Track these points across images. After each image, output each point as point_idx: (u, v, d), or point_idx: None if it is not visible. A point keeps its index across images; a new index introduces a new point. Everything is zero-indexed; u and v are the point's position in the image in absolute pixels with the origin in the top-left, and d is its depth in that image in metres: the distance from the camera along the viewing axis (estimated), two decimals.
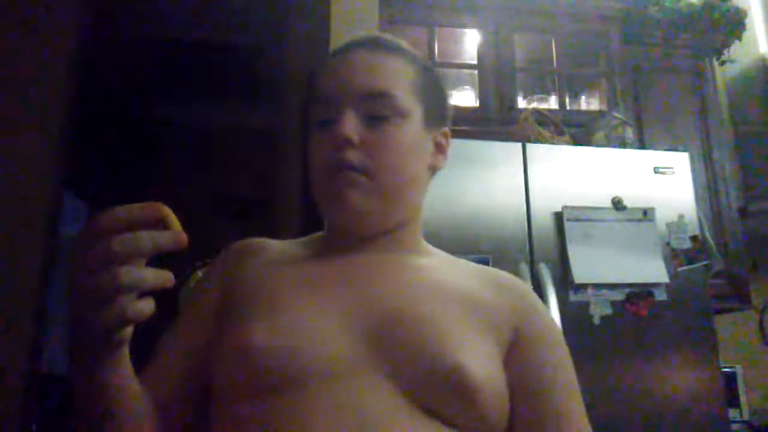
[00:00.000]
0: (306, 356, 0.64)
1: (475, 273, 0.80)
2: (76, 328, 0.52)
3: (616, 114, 2.21)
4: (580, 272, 1.71)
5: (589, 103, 2.50)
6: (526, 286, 0.85)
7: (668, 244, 1.82)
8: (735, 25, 2.59)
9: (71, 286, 0.50)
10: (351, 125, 0.72)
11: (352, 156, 0.72)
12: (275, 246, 0.82)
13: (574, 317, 1.68)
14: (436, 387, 0.64)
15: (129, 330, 0.53)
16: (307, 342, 0.65)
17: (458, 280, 0.77)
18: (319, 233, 0.86)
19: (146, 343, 0.76)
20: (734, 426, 2.18)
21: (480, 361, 0.67)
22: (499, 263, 1.69)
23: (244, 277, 0.75)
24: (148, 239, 0.49)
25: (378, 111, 0.74)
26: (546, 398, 0.73)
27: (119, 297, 0.48)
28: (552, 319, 0.85)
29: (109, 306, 0.48)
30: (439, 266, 0.79)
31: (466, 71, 2.45)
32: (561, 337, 0.83)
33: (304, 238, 0.86)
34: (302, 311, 0.68)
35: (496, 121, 2.29)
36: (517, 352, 0.73)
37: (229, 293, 0.75)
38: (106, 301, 0.48)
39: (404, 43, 0.89)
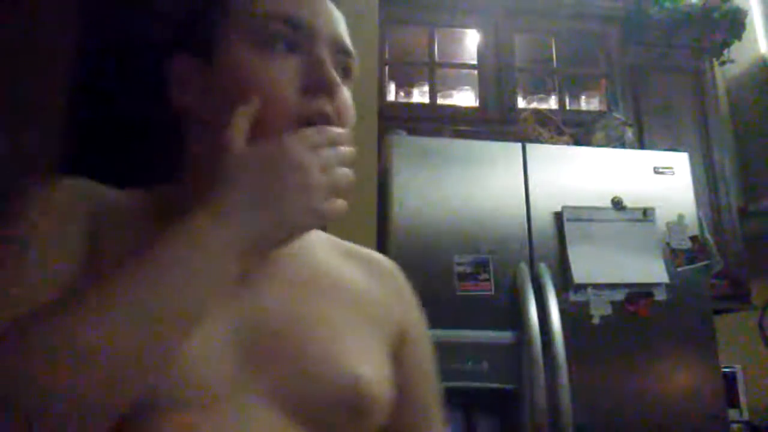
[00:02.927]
0: (180, 380, 0.50)
1: (356, 257, 0.71)
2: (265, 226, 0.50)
3: (616, 114, 2.21)
4: (580, 272, 1.71)
5: (589, 103, 2.50)
6: (400, 271, 0.77)
7: (668, 244, 1.82)
8: (735, 25, 2.59)
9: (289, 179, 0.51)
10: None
11: (330, 110, 0.57)
12: (131, 207, 0.61)
13: (574, 317, 1.68)
14: (330, 405, 0.56)
15: None
16: (182, 361, 0.50)
17: (345, 269, 0.68)
18: (164, 187, 0.66)
19: None
20: (734, 426, 2.18)
21: (376, 368, 0.61)
22: (499, 263, 1.69)
23: (116, 250, 0.54)
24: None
25: (346, 68, 0.62)
26: (423, 393, 0.71)
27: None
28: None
29: (325, 199, 0.52)
30: (322, 250, 0.68)
31: (466, 71, 2.45)
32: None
33: (151, 196, 0.65)
34: None
35: (496, 121, 2.29)
36: (402, 348, 0.68)
37: (97, 258, 0.54)
38: (320, 193, 0.52)
39: None
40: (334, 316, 0.62)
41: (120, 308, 0.44)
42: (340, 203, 0.53)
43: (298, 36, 0.58)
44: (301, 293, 0.62)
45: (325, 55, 0.58)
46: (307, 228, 0.54)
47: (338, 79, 0.58)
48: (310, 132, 0.53)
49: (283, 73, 0.56)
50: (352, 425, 0.57)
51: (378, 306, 0.67)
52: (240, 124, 0.53)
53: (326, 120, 0.56)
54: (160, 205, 0.62)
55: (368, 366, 0.60)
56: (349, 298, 0.65)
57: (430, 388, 0.73)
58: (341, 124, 0.57)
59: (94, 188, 0.60)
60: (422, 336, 0.74)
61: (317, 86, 0.57)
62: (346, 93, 0.60)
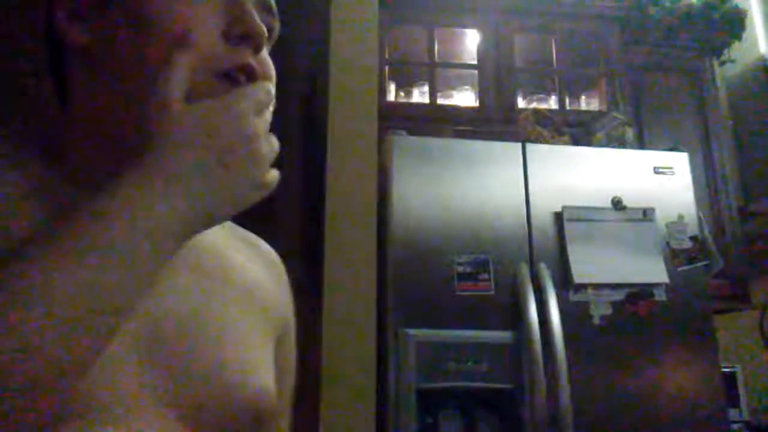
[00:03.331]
0: (85, 388, 0.43)
1: (247, 243, 0.65)
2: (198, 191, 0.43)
3: (616, 114, 2.21)
4: (580, 272, 1.71)
5: (589, 103, 2.50)
6: (278, 257, 0.70)
7: (668, 244, 1.82)
8: (735, 25, 2.59)
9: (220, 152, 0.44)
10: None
11: (254, 64, 0.51)
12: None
13: (574, 317, 1.68)
14: (232, 415, 0.51)
15: None
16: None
17: (240, 257, 0.61)
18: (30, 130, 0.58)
19: None
20: (734, 426, 2.18)
21: (271, 372, 0.57)
22: (499, 263, 1.69)
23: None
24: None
25: (269, 28, 0.55)
26: (287, 384, 0.67)
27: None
28: None
29: (267, 170, 0.47)
30: (218, 235, 0.59)
31: (466, 71, 2.45)
32: None
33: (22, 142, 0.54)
34: None
35: (496, 121, 2.29)
36: (283, 338, 0.64)
37: None
38: (265, 164, 0.47)
39: None
40: (234, 313, 0.56)
41: (56, 302, 0.37)
42: (275, 174, 0.49)
43: None
44: (202, 285, 0.55)
45: (250, 4, 0.51)
46: (250, 202, 0.47)
47: (265, 30, 0.51)
48: (254, 90, 0.48)
49: (202, 13, 0.49)
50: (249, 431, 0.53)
51: (270, 298, 0.62)
52: (180, 75, 0.46)
53: (251, 74, 0.50)
54: (34, 154, 0.51)
55: (269, 374, 0.57)
56: (246, 291, 0.59)
57: (292, 379, 0.68)
58: (266, 81, 0.51)
59: None
60: (294, 326, 0.68)
61: (242, 34, 0.50)
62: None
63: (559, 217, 1.78)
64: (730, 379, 2.33)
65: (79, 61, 0.51)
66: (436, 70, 2.39)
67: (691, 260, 1.82)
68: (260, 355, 0.57)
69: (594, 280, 1.72)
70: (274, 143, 0.49)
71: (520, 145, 1.86)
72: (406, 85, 2.40)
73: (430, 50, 2.38)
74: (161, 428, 0.47)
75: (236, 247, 0.62)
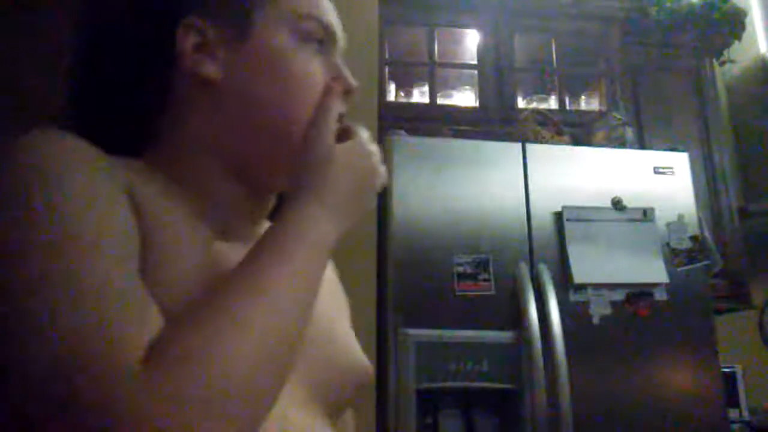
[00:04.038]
0: None
1: None
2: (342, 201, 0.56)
3: (616, 114, 2.21)
4: (580, 272, 1.71)
5: (589, 103, 2.50)
6: None
7: (668, 244, 1.82)
8: (735, 25, 2.59)
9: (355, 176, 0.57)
10: None
11: (344, 112, 0.62)
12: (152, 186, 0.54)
13: (574, 317, 1.68)
14: (346, 388, 0.61)
15: None
16: None
17: None
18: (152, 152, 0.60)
19: None
20: (734, 426, 2.18)
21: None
22: (499, 263, 1.69)
23: (156, 236, 0.49)
24: None
25: None
26: None
27: None
28: None
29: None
30: None
31: (466, 71, 2.45)
32: None
33: (133, 164, 0.57)
34: None
35: (496, 121, 2.29)
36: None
37: (146, 242, 0.48)
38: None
39: None
40: (331, 302, 0.66)
41: (274, 305, 0.46)
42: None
43: (326, 40, 0.62)
44: None
45: (341, 60, 0.64)
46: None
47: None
48: (366, 133, 0.61)
49: (316, 70, 0.60)
50: (352, 401, 0.64)
51: (336, 284, 0.75)
52: (333, 120, 0.58)
53: (341, 121, 0.60)
54: (157, 172, 0.57)
55: (362, 354, 0.65)
56: (326, 281, 0.65)
57: None
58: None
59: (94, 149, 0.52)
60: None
61: (345, 90, 0.61)
62: None
63: (559, 217, 1.78)
64: (730, 379, 2.33)
65: (201, 91, 0.57)
66: (436, 70, 2.39)
67: (691, 260, 1.82)
68: (353, 337, 0.67)
69: (594, 280, 1.72)
70: (384, 173, 0.62)
71: (520, 145, 1.86)
72: (406, 85, 2.40)
73: (430, 50, 2.38)
74: (302, 404, 0.55)
75: None
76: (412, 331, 1.58)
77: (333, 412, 0.60)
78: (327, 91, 0.59)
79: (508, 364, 1.60)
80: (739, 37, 2.62)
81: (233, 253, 0.54)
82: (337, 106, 0.59)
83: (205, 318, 0.43)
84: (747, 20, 2.64)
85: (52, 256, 0.42)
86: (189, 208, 0.55)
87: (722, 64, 2.68)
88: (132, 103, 0.60)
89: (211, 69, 0.57)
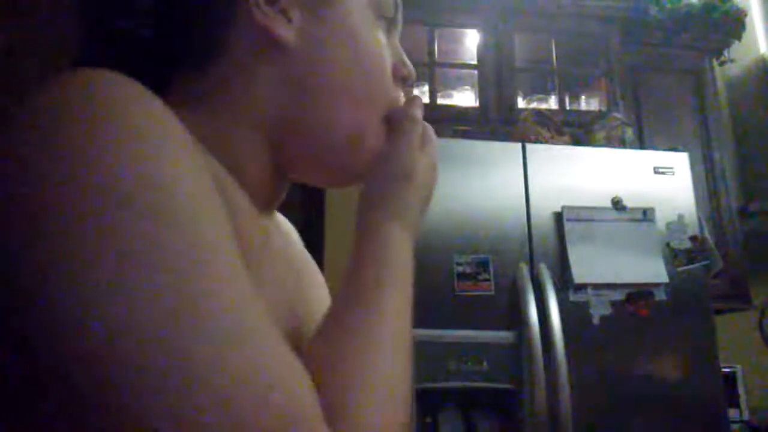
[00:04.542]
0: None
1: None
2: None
3: (616, 114, 2.21)
4: (580, 272, 1.71)
5: (589, 103, 2.50)
6: None
7: (668, 244, 1.82)
8: (735, 25, 2.59)
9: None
10: None
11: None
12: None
13: (574, 317, 1.68)
14: None
15: None
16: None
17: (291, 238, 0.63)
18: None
19: None
20: (734, 426, 2.18)
21: None
22: (499, 263, 1.69)
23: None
24: None
25: None
26: None
27: None
28: None
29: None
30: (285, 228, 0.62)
31: (466, 71, 2.45)
32: None
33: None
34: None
35: (496, 121, 2.29)
36: None
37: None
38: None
39: None
40: (320, 295, 0.62)
41: (391, 341, 0.44)
42: None
43: (394, 19, 0.56)
44: (301, 279, 0.58)
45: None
46: None
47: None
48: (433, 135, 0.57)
49: (387, 52, 0.54)
50: None
51: (316, 271, 0.68)
52: (418, 134, 0.53)
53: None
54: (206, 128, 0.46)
55: None
56: (313, 273, 0.64)
57: None
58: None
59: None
60: None
61: (405, 77, 0.55)
62: None
63: (559, 217, 1.78)
64: (730, 379, 2.33)
65: (266, 55, 0.48)
66: (436, 70, 2.39)
67: (691, 260, 1.82)
68: None
69: (594, 280, 1.72)
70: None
71: (520, 145, 1.86)
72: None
73: (430, 50, 2.38)
74: None
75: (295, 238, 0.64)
76: (411, 331, 1.58)
77: None
78: (411, 101, 0.53)
79: (508, 364, 1.60)
80: (739, 37, 2.62)
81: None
82: (420, 113, 0.54)
83: (366, 382, 0.39)
84: (747, 20, 2.64)
85: (188, 270, 0.31)
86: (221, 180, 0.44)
87: (722, 64, 2.68)
88: (171, 48, 0.49)
89: (284, 31, 0.47)
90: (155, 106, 0.35)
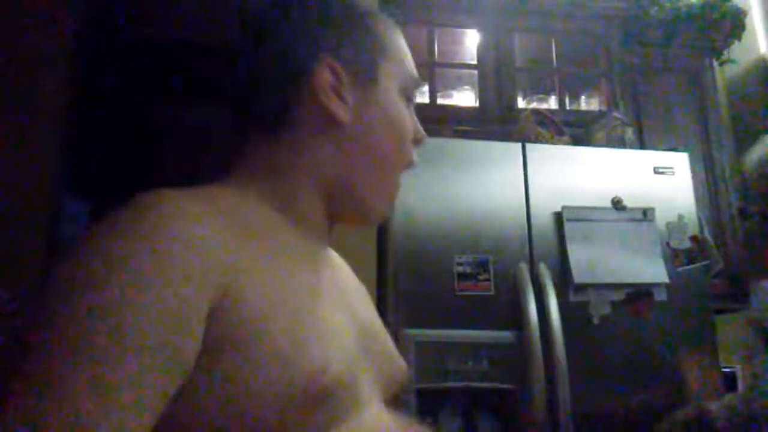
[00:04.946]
0: (354, 378, 0.57)
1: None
2: None
3: (616, 114, 2.21)
4: (580, 272, 1.71)
5: (589, 103, 2.50)
6: None
7: (668, 244, 1.82)
8: (735, 25, 2.59)
9: None
10: None
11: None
12: (244, 219, 0.58)
13: (574, 317, 1.68)
14: (398, 384, 0.71)
15: None
16: (350, 362, 0.56)
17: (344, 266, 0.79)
18: (226, 186, 0.64)
19: None
20: None
21: None
22: (499, 263, 1.69)
23: (252, 280, 0.51)
24: None
25: None
26: None
27: None
28: None
29: None
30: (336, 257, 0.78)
31: (466, 71, 2.45)
32: None
33: (232, 198, 0.60)
34: (332, 324, 0.57)
35: (496, 121, 2.29)
36: None
37: (229, 309, 0.49)
38: None
39: None
40: (371, 309, 0.75)
41: None
42: None
43: (412, 95, 0.71)
44: (359, 294, 0.74)
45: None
46: None
47: None
48: None
49: (409, 123, 0.69)
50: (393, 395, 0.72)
51: (365, 292, 0.80)
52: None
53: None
54: (275, 201, 0.63)
55: None
56: (364, 291, 0.78)
57: None
58: None
59: (209, 211, 0.53)
60: None
61: (418, 142, 0.71)
62: None
63: (559, 217, 1.78)
64: (730, 379, 2.33)
65: (326, 129, 0.63)
66: (436, 70, 2.39)
67: (691, 260, 1.82)
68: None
69: (594, 280, 1.72)
70: None
71: (520, 145, 1.86)
72: None
73: (430, 50, 2.38)
74: (378, 396, 0.64)
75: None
76: (412, 331, 1.58)
77: (385, 401, 0.67)
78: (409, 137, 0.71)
79: (508, 364, 1.60)
80: (739, 37, 2.62)
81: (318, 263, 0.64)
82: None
83: None
84: (747, 20, 2.64)
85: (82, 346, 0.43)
86: (288, 225, 0.61)
87: (722, 64, 2.68)
88: (249, 117, 0.65)
89: (341, 111, 0.63)
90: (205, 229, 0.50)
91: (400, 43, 0.70)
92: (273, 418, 0.48)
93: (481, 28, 2.42)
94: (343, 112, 0.63)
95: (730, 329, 2.45)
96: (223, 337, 0.48)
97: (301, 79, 0.62)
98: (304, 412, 0.50)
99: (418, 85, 0.71)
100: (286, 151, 0.63)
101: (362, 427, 0.57)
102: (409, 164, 0.70)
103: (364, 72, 0.65)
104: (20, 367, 0.42)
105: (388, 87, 0.66)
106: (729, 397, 1.26)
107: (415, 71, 0.70)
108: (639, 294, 1.73)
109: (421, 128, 0.71)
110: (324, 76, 0.62)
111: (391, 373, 0.69)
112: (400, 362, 0.72)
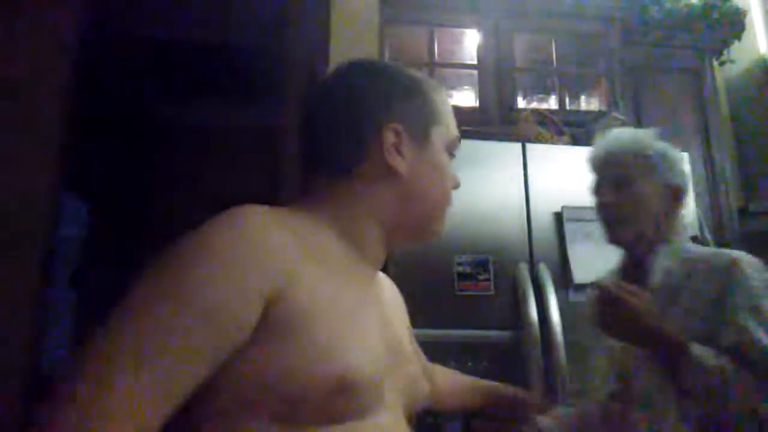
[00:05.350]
0: (381, 383, 0.71)
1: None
2: None
3: (616, 114, 2.21)
4: (580, 272, 1.71)
5: (589, 103, 2.50)
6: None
7: None
8: (735, 25, 2.59)
9: None
10: None
11: None
12: (310, 238, 0.72)
13: (574, 317, 1.68)
14: (417, 405, 0.86)
15: None
16: (379, 369, 0.70)
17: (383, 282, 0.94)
18: (297, 208, 0.79)
19: None
20: None
21: None
22: (499, 263, 1.69)
23: (307, 284, 0.66)
24: None
25: None
26: None
27: None
28: None
29: None
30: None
31: (466, 71, 2.45)
32: None
33: (304, 220, 0.75)
34: (368, 335, 0.72)
35: (496, 121, 2.29)
36: None
37: (286, 300, 0.63)
38: None
39: None
40: (402, 324, 0.92)
41: None
42: None
43: (453, 153, 0.87)
44: (390, 311, 0.87)
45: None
46: None
47: None
48: None
49: (451, 173, 0.86)
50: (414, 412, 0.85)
51: (402, 306, 0.98)
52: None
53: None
54: (331, 224, 0.77)
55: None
56: (398, 305, 0.95)
57: None
58: None
59: (278, 224, 0.69)
60: None
61: (456, 186, 0.88)
62: None
63: (559, 217, 1.78)
64: None
65: (387, 178, 0.78)
66: (436, 70, 2.39)
67: None
68: (417, 355, 0.94)
69: (594, 280, 1.71)
70: None
71: (520, 145, 1.86)
72: None
73: (430, 50, 2.38)
74: (391, 407, 0.73)
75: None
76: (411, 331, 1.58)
77: (407, 416, 0.79)
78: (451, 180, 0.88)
79: (508, 364, 1.60)
80: (739, 37, 2.62)
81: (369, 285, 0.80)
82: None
83: None
84: (747, 20, 2.64)
85: (149, 339, 0.58)
86: (347, 248, 0.76)
87: (722, 64, 2.68)
88: (324, 163, 0.80)
89: (401, 165, 0.78)
90: (269, 241, 0.66)
91: (448, 108, 0.86)
92: (307, 396, 0.61)
93: (481, 28, 2.43)
94: (402, 167, 0.78)
95: None
96: (277, 322, 0.62)
97: (371, 139, 0.77)
98: (333, 397, 0.62)
99: (458, 143, 0.87)
100: (354, 192, 0.78)
101: (380, 424, 0.68)
102: (449, 203, 0.86)
103: (420, 134, 0.80)
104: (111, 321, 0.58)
105: (437, 146, 0.83)
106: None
107: (456, 131, 0.87)
108: None
109: (457, 176, 0.87)
110: (389, 137, 0.77)
111: (413, 393, 0.82)
112: (423, 385, 0.86)
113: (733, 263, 1.08)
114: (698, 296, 1.08)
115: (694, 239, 1.84)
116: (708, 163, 2.48)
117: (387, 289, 0.90)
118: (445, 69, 2.46)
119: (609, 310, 1.04)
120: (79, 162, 2.33)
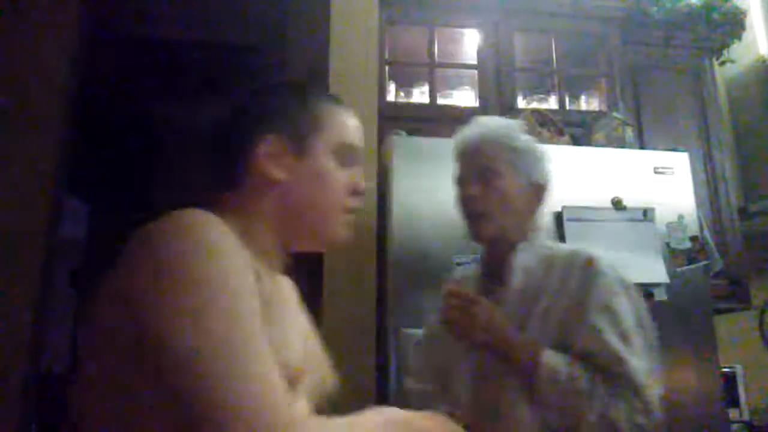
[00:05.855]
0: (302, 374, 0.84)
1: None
2: None
3: (616, 114, 2.21)
4: None
5: (589, 103, 2.50)
6: None
7: (668, 244, 1.82)
8: (735, 25, 2.59)
9: None
10: None
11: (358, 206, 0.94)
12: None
13: None
14: (326, 386, 0.94)
15: None
16: (300, 361, 0.84)
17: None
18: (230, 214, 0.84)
19: None
20: (734, 426, 2.18)
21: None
22: None
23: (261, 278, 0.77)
24: None
25: None
26: None
27: None
28: None
29: None
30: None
31: (466, 71, 2.45)
32: None
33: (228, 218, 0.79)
34: (289, 331, 0.86)
35: None
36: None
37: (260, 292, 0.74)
38: None
39: None
40: (305, 323, 0.98)
41: None
42: None
43: (353, 157, 0.88)
44: (297, 308, 0.96)
45: (360, 170, 0.89)
46: None
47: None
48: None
49: (344, 180, 0.86)
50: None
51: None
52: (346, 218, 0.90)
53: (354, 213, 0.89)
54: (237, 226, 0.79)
55: None
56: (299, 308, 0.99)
57: None
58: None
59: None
60: None
61: (357, 193, 0.88)
62: None
63: (559, 217, 1.78)
64: (730, 379, 2.33)
65: (268, 186, 0.82)
66: (436, 70, 2.39)
67: (691, 260, 1.82)
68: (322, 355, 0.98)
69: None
70: None
71: None
72: (406, 85, 2.40)
73: (430, 50, 2.38)
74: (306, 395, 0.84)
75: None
76: (412, 331, 1.58)
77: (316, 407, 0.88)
78: (345, 193, 0.88)
79: None
80: (739, 37, 2.62)
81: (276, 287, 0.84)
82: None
83: None
84: (747, 20, 2.64)
85: (232, 321, 0.64)
86: (251, 254, 0.77)
87: (722, 64, 2.68)
88: (217, 171, 0.86)
89: (276, 173, 0.82)
90: (222, 231, 0.70)
91: (338, 119, 0.88)
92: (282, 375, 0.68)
93: (481, 28, 2.42)
94: (281, 176, 0.82)
95: (730, 329, 2.45)
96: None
97: (247, 151, 0.82)
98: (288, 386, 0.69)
99: (353, 149, 0.88)
100: (242, 204, 0.83)
101: (298, 408, 0.78)
102: (347, 210, 0.87)
103: (299, 142, 0.84)
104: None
105: (319, 153, 0.85)
106: None
107: (353, 139, 0.88)
108: None
109: (361, 183, 0.88)
110: (262, 147, 0.82)
111: (320, 387, 0.90)
112: (327, 364, 0.94)
113: (589, 262, 1.07)
114: (556, 296, 1.07)
115: (694, 239, 1.84)
116: (708, 163, 2.47)
117: (286, 288, 0.94)
118: (445, 69, 2.46)
119: (455, 314, 1.04)
120: (79, 162, 2.33)
